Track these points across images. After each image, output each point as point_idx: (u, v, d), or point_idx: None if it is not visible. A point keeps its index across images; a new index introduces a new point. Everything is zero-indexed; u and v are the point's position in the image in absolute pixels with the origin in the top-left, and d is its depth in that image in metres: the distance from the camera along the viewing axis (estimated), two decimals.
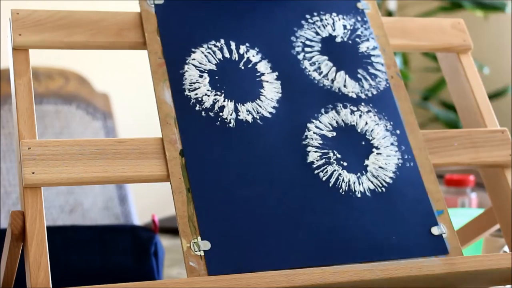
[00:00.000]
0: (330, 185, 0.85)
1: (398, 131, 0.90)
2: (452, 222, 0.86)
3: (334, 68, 0.92)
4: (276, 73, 0.90)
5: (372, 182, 0.86)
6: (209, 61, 0.88)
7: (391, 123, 0.90)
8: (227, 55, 0.89)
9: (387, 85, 0.93)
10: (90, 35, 0.87)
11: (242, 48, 0.90)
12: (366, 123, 0.90)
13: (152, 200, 2.29)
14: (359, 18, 0.96)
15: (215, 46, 0.89)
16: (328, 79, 0.91)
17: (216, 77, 0.87)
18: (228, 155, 0.83)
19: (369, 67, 0.93)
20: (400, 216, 0.85)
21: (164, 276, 1.26)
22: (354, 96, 0.91)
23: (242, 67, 0.89)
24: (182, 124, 0.84)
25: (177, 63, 0.87)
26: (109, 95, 1.74)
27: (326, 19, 0.95)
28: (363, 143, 0.88)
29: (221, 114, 0.85)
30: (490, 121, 0.95)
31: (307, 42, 0.93)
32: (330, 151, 0.87)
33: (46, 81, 1.66)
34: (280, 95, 0.88)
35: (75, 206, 1.57)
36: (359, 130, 0.89)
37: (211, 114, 0.85)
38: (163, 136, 0.83)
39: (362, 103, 0.91)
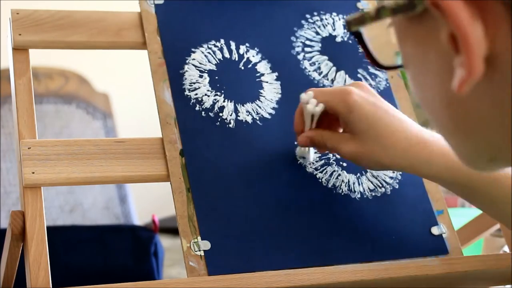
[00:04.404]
0: (330, 185, 0.85)
1: None
2: (452, 222, 0.86)
3: (334, 68, 0.92)
4: (276, 74, 0.90)
5: (371, 182, 0.86)
6: (209, 61, 0.88)
7: None
8: (227, 55, 0.89)
9: (387, 85, 0.93)
10: (90, 35, 0.87)
11: (242, 48, 0.90)
12: None
13: (152, 200, 2.29)
14: None
15: (215, 46, 0.89)
16: (328, 79, 0.91)
17: (216, 77, 0.87)
18: (228, 156, 0.83)
19: (369, 67, 0.93)
20: (400, 216, 0.85)
21: (164, 276, 1.26)
22: None
23: (242, 67, 0.89)
24: (182, 124, 0.83)
25: (177, 63, 0.87)
26: (109, 95, 1.74)
27: (326, 19, 0.95)
28: None
29: (221, 114, 0.85)
30: None
31: (307, 42, 0.93)
32: None
33: (46, 81, 1.66)
34: (279, 95, 0.88)
35: (75, 206, 1.57)
36: None
37: (211, 114, 0.85)
38: (163, 136, 0.83)
39: None
